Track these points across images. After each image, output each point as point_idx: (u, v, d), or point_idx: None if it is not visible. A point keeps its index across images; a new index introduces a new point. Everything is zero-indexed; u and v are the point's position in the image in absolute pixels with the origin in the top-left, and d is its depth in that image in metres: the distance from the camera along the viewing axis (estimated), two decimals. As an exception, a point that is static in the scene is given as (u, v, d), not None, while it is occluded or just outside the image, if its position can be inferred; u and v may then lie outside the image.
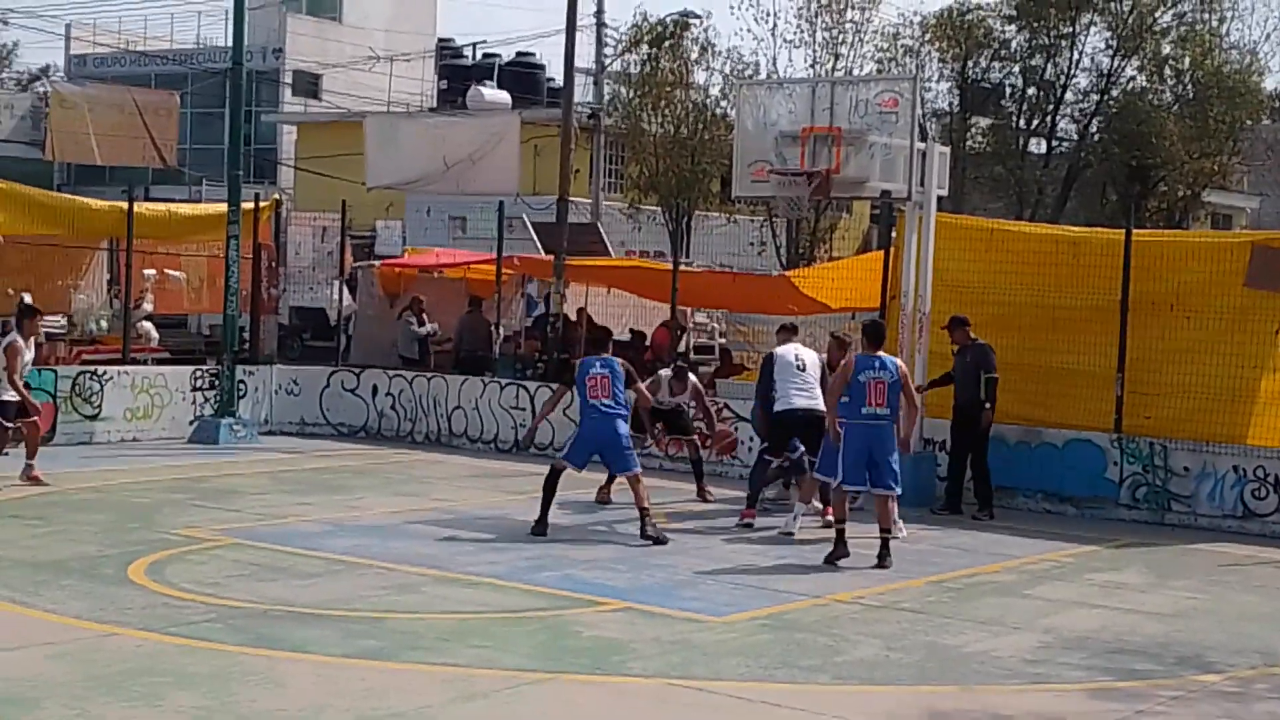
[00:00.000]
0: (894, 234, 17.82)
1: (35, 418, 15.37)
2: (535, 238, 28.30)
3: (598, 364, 13.45)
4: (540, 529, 13.26)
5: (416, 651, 9.12)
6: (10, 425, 15.07)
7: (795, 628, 10.20)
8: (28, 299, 20.12)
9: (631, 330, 24.33)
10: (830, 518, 13.48)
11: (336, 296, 23.54)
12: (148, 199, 25.95)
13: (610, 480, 14.93)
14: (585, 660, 9.14)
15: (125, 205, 20.23)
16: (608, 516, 14.67)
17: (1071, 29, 36.49)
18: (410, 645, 9.28)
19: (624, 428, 13.41)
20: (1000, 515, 15.76)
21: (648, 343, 23.35)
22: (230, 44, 22.12)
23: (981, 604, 11.34)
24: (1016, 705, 8.55)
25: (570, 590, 11.08)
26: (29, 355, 15.34)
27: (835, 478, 12.81)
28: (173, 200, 28.92)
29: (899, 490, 12.94)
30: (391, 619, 9.98)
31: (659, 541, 13.01)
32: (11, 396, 14.99)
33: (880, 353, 12.79)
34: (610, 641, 9.59)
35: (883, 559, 12.48)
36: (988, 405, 15.71)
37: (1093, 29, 36.76)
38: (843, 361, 13.11)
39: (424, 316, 23.56)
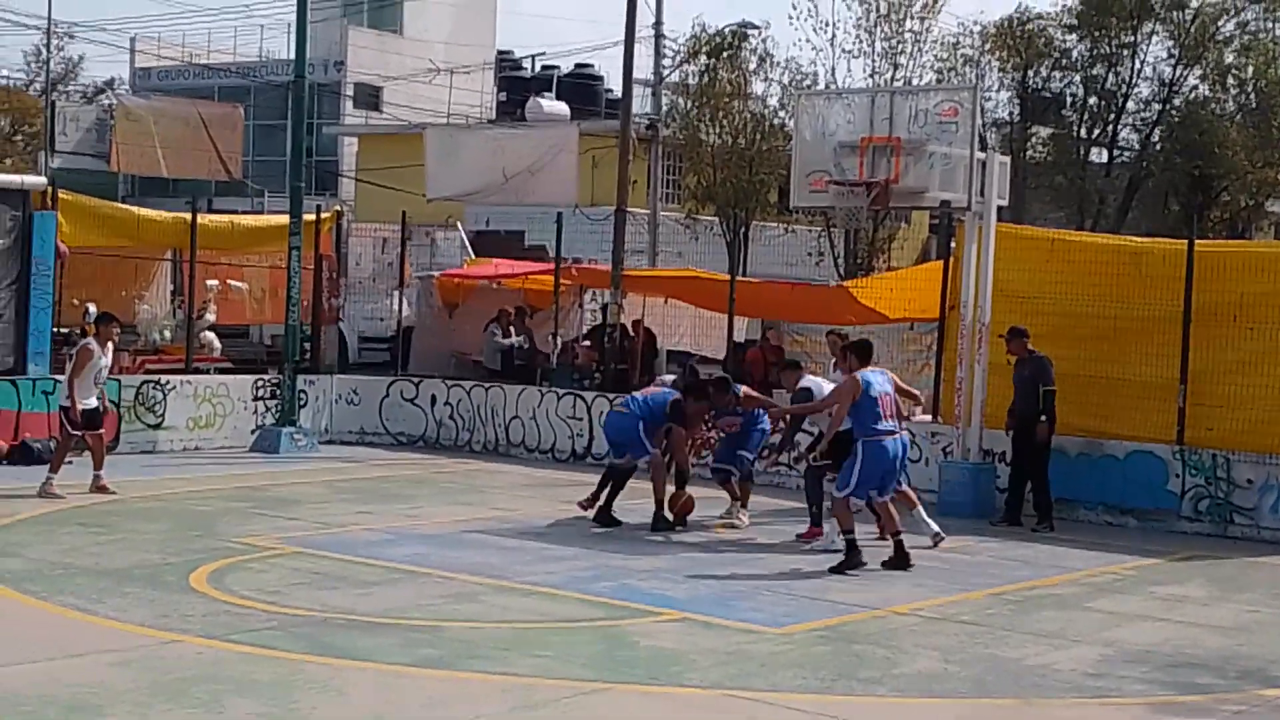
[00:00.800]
0: (953, 244, 17.76)
1: (100, 430, 15.37)
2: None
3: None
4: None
5: (475, 660, 9.16)
6: (76, 434, 15.08)
7: (853, 639, 10.17)
8: (93, 309, 20.38)
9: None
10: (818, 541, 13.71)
11: (396, 307, 23.69)
12: (210, 210, 26.27)
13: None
14: (642, 671, 9.14)
15: (189, 216, 20.45)
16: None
17: (1133, 38, 36.23)
18: (469, 654, 9.32)
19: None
20: (1061, 527, 15.64)
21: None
22: (293, 57, 22.30)
23: (1041, 617, 11.26)
24: (1077, 719, 8.49)
25: (627, 600, 11.08)
26: (105, 360, 15.35)
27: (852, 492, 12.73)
28: (235, 211, 29.19)
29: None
30: (450, 628, 10.03)
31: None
32: (88, 404, 15.02)
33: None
34: (667, 652, 9.59)
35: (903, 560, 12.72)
36: (1044, 419, 15.60)
37: (1154, 38, 36.48)
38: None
39: (510, 329, 23.62)
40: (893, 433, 12.68)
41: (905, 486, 13.77)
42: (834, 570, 12.37)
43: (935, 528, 13.89)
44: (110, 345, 15.72)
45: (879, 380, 12.95)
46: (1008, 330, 16.01)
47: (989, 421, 16.56)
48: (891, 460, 12.73)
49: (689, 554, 13.23)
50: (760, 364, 20.90)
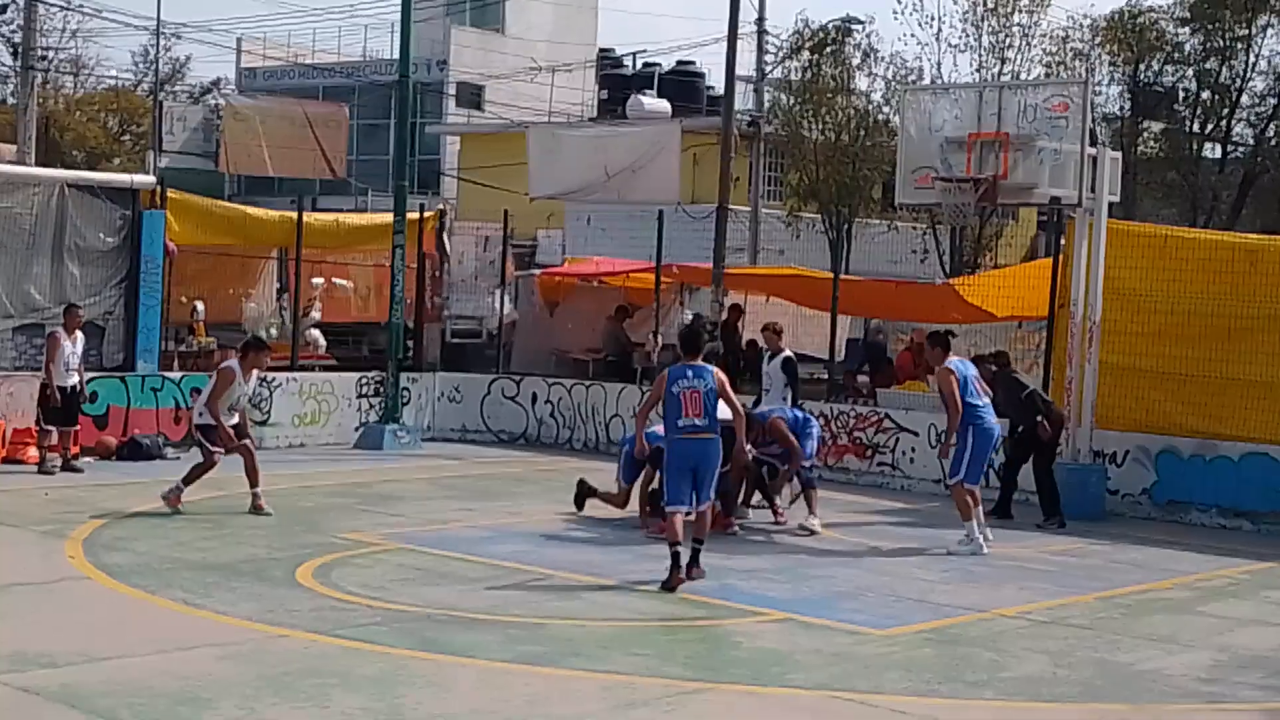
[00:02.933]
0: (1063, 241, 17.48)
1: (239, 444, 14.36)
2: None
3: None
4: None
5: (577, 658, 9.14)
6: (218, 452, 14.29)
7: (959, 642, 10.03)
8: (200, 307, 20.67)
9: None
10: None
11: (498, 305, 23.78)
12: (315, 209, 26.52)
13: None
14: (745, 670, 9.07)
15: (295, 215, 20.67)
16: (764, 526, 14.60)
17: (1248, 31, 35.43)
18: (571, 651, 9.30)
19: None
20: (1173, 530, 15.38)
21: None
22: (396, 56, 22.47)
23: (1153, 621, 11.04)
24: (1191, 726, 8.31)
25: (728, 600, 11.01)
26: (245, 389, 14.42)
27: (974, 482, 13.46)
28: (339, 210, 29.49)
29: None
30: (552, 625, 10.02)
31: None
32: (229, 420, 14.21)
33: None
34: (770, 652, 9.51)
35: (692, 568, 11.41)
36: (1040, 419, 15.49)
37: (1269, 31, 35.65)
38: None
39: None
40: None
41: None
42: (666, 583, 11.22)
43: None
44: (255, 374, 14.68)
45: (963, 365, 13.83)
46: (984, 359, 16.06)
47: (1099, 422, 16.30)
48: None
49: (790, 554, 13.13)
50: (908, 367, 20.51)
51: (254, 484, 14.22)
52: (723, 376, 11.64)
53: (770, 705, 8.44)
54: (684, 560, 11.25)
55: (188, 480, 14.17)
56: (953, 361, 13.76)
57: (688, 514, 11.36)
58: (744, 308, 23.97)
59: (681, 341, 11.99)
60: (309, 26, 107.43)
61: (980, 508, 13.80)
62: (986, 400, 13.75)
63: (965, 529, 13.55)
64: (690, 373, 11.50)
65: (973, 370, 13.84)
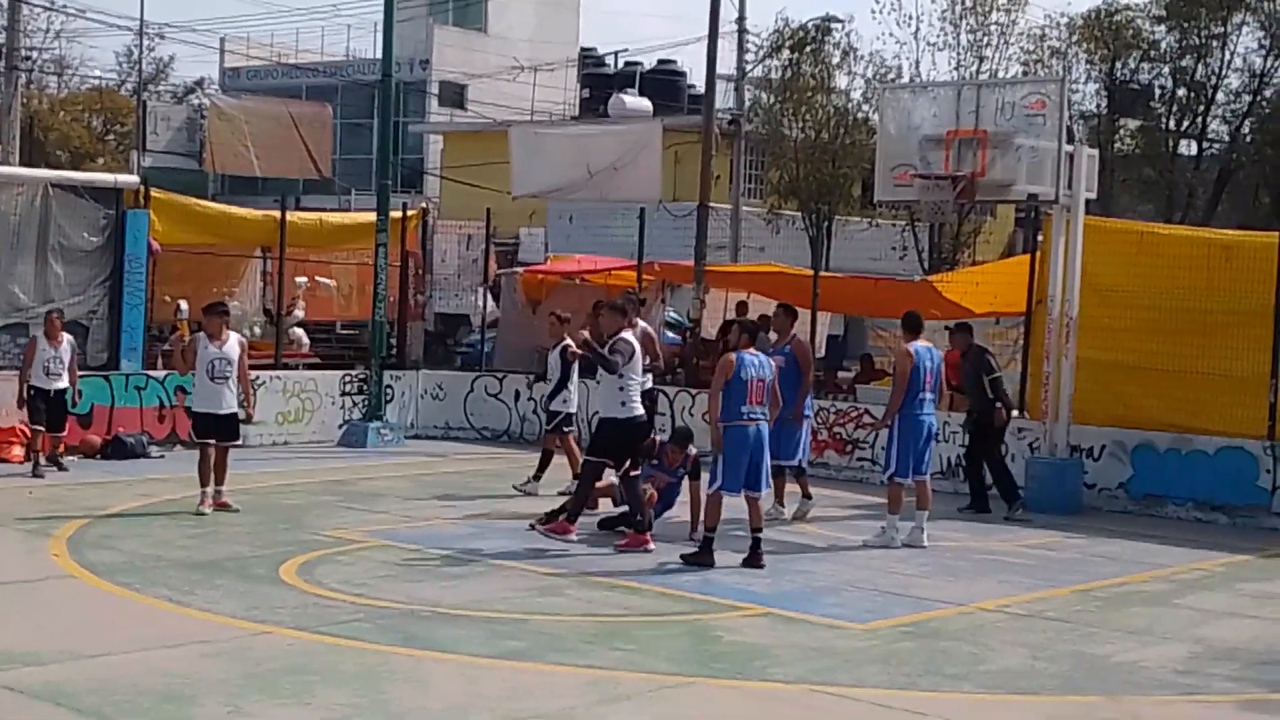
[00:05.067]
0: (1040, 237, 17.61)
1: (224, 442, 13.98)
2: None
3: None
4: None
5: (559, 653, 9.21)
6: (200, 441, 14.01)
7: (939, 636, 10.13)
8: (185, 306, 20.69)
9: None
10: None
11: (481, 303, 23.85)
12: (299, 208, 26.54)
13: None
14: (727, 665, 9.16)
15: (278, 214, 20.70)
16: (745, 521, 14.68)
17: (1223, 29, 35.65)
18: (553, 647, 9.38)
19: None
20: (1150, 524, 15.50)
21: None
22: (379, 56, 22.51)
23: (1130, 613, 11.16)
24: (1166, 716, 8.42)
25: (710, 595, 11.11)
26: (215, 351, 13.84)
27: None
28: (323, 209, 29.50)
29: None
30: (534, 620, 10.09)
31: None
32: (211, 409, 13.88)
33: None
34: (752, 646, 9.60)
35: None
36: (998, 405, 15.62)
37: (1244, 29, 35.88)
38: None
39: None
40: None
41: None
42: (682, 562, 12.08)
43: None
44: (223, 338, 13.97)
45: (927, 354, 13.76)
46: (955, 325, 16.19)
47: (1076, 417, 16.43)
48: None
49: (771, 550, 13.19)
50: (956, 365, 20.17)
51: (219, 481, 14.08)
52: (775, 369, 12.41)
53: (752, 699, 8.53)
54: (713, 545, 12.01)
55: (202, 480, 13.93)
56: (918, 347, 13.79)
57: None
58: (749, 305, 23.82)
59: (751, 332, 12.47)
60: (292, 26, 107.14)
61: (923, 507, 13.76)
62: (932, 396, 13.79)
63: (885, 521, 13.66)
64: (757, 361, 12.17)
65: (935, 364, 13.80)
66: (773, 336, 14.98)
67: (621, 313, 13.43)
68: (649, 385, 15.17)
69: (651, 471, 13.61)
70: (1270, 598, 12.02)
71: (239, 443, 14.47)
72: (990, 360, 16.01)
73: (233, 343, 14.11)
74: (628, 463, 12.95)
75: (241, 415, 14.38)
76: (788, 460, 14.44)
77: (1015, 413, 17.29)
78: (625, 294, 17.20)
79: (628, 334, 13.17)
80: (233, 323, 21.91)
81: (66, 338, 16.48)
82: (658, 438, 13.93)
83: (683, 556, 12.22)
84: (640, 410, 13.20)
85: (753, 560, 12.15)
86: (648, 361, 14.70)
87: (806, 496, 14.99)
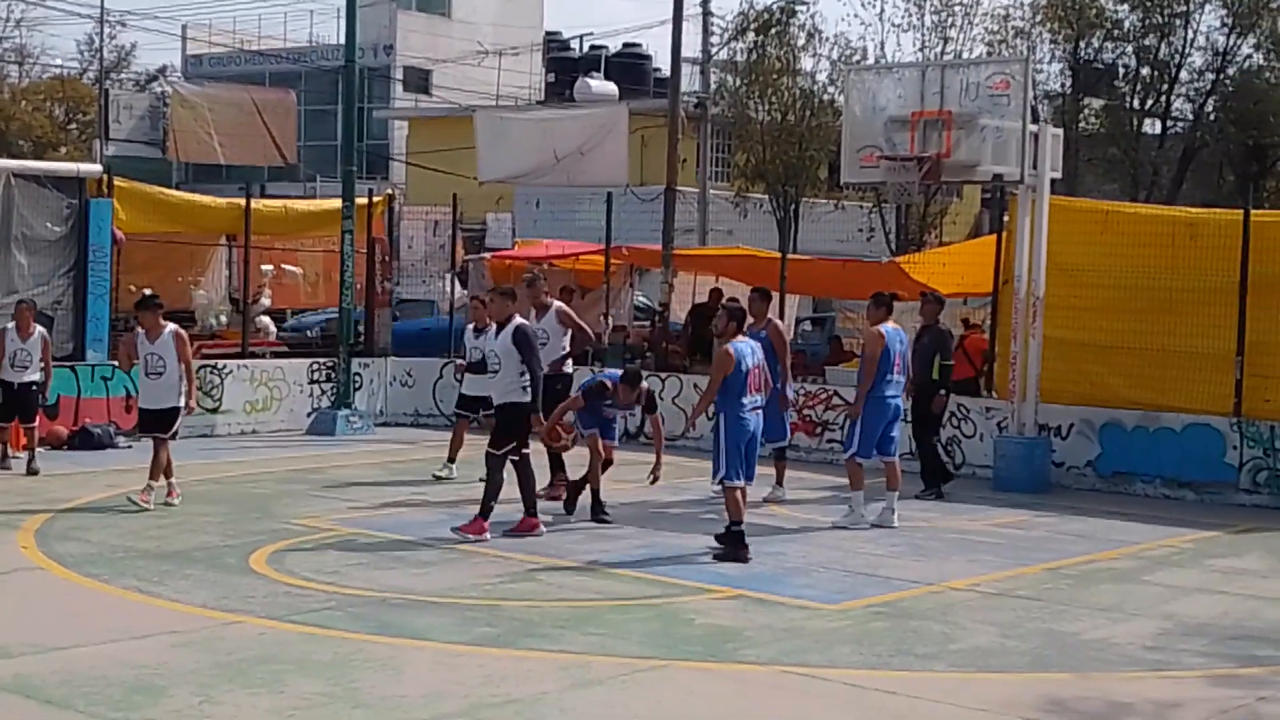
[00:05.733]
0: (1006, 218, 17.67)
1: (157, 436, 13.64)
2: None
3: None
4: None
5: (532, 639, 9.21)
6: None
7: (910, 615, 10.16)
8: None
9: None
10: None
11: (448, 289, 23.79)
12: (264, 196, 26.39)
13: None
14: (699, 647, 9.17)
15: (243, 202, 20.60)
16: (720, 504, 14.70)
17: (1186, 7, 35.75)
18: (526, 632, 9.38)
19: None
20: (1118, 501, 15.59)
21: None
22: (342, 41, 22.41)
23: (1099, 590, 11.22)
24: (1135, 692, 8.45)
25: (682, 578, 11.12)
26: (150, 347, 13.75)
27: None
28: (288, 197, 29.36)
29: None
30: (507, 606, 10.08)
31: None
32: (145, 404, 13.85)
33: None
34: (723, 629, 9.62)
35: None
36: (941, 391, 15.53)
37: (1207, 7, 35.97)
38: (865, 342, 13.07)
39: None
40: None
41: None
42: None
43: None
44: (156, 332, 13.75)
45: (896, 335, 13.79)
46: (930, 295, 15.96)
47: (1044, 396, 16.49)
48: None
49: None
50: (983, 348, 19.87)
51: (154, 476, 13.62)
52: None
53: (724, 681, 8.54)
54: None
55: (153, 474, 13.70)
56: (887, 328, 13.77)
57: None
58: (723, 290, 23.73)
59: (738, 319, 12.25)
60: (255, 13, 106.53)
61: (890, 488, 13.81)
62: (899, 378, 13.80)
63: (850, 500, 13.71)
64: (750, 348, 12.00)
65: (904, 345, 13.87)
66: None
67: (510, 297, 13.01)
68: (569, 369, 15.03)
69: (606, 408, 13.62)
70: (1239, 573, 12.10)
71: (165, 436, 13.67)
72: (949, 344, 15.91)
73: (166, 337, 13.75)
74: (517, 445, 12.56)
75: (182, 406, 13.86)
76: (778, 440, 14.70)
77: (986, 393, 17.40)
78: (530, 272, 16.84)
79: (519, 319, 12.74)
80: (199, 312, 22.00)
81: (38, 329, 16.28)
82: (607, 381, 13.69)
83: (715, 556, 11.84)
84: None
85: (722, 545, 12.00)
86: (565, 341, 14.75)
87: (779, 483, 15.08)
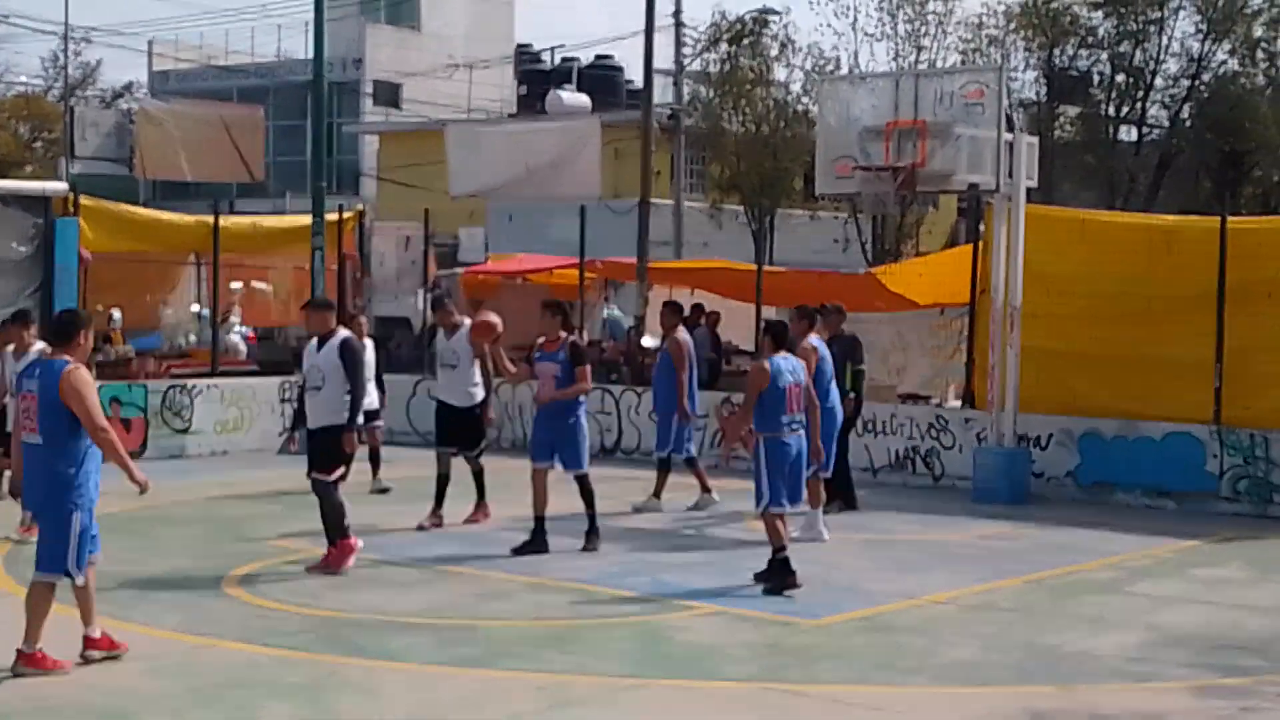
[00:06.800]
0: (982, 227, 17.62)
1: None
2: None
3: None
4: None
5: (510, 659, 9.09)
6: None
7: (891, 629, 10.07)
8: (117, 315, 20.39)
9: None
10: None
11: (421, 306, 23.64)
12: (232, 212, 26.20)
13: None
14: (679, 665, 9.07)
15: (211, 219, 20.42)
16: (696, 520, 14.61)
17: (1160, 14, 35.88)
18: (504, 652, 9.25)
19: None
20: (1099, 511, 15.52)
21: None
22: (311, 56, 22.25)
23: (1081, 602, 11.14)
24: (1118, 704, 8.38)
25: (661, 595, 11.01)
26: (14, 365, 12.61)
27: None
28: (257, 213, 29.17)
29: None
30: (485, 626, 9.96)
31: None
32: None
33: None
34: (703, 646, 9.51)
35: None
36: (852, 395, 14.98)
37: (1182, 13, 36.13)
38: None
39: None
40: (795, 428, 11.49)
41: None
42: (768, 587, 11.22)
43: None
44: (22, 349, 12.68)
45: (824, 347, 13.35)
46: (831, 307, 15.30)
47: (1023, 406, 16.43)
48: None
49: (720, 548, 13.14)
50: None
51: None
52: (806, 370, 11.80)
53: (704, 699, 8.43)
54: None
55: None
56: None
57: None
58: (705, 308, 23.50)
59: (776, 335, 11.59)
60: (221, 28, 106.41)
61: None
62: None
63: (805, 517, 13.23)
64: (790, 365, 11.44)
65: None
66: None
67: (330, 309, 12.49)
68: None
69: (538, 361, 12.95)
70: (1221, 583, 12.04)
71: None
72: (860, 351, 15.32)
73: (32, 356, 12.24)
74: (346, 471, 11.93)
75: None
76: (660, 451, 14.98)
77: (959, 403, 17.28)
78: (436, 288, 16.74)
79: (344, 331, 12.16)
80: (168, 331, 21.80)
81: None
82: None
83: (765, 589, 11.15)
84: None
85: (768, 578, 11.27)
86: (476, 369, 13.99)
87: (705, 490, 15.13)
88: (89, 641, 8.85)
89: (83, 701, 7.96)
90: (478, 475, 14.06)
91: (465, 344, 13.86)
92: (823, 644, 9.63)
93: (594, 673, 8.81)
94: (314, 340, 11.90)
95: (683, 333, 15.45)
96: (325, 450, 11.71)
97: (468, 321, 14.03)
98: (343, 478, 11.80)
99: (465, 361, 13.91)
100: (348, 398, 11.53)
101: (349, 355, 11.59)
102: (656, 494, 15.09)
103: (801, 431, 11.46)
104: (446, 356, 14.07)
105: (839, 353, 15.02)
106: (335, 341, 11.68)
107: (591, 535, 12.75)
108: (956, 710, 8.29)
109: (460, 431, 13.88)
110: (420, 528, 13.72)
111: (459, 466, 14.00)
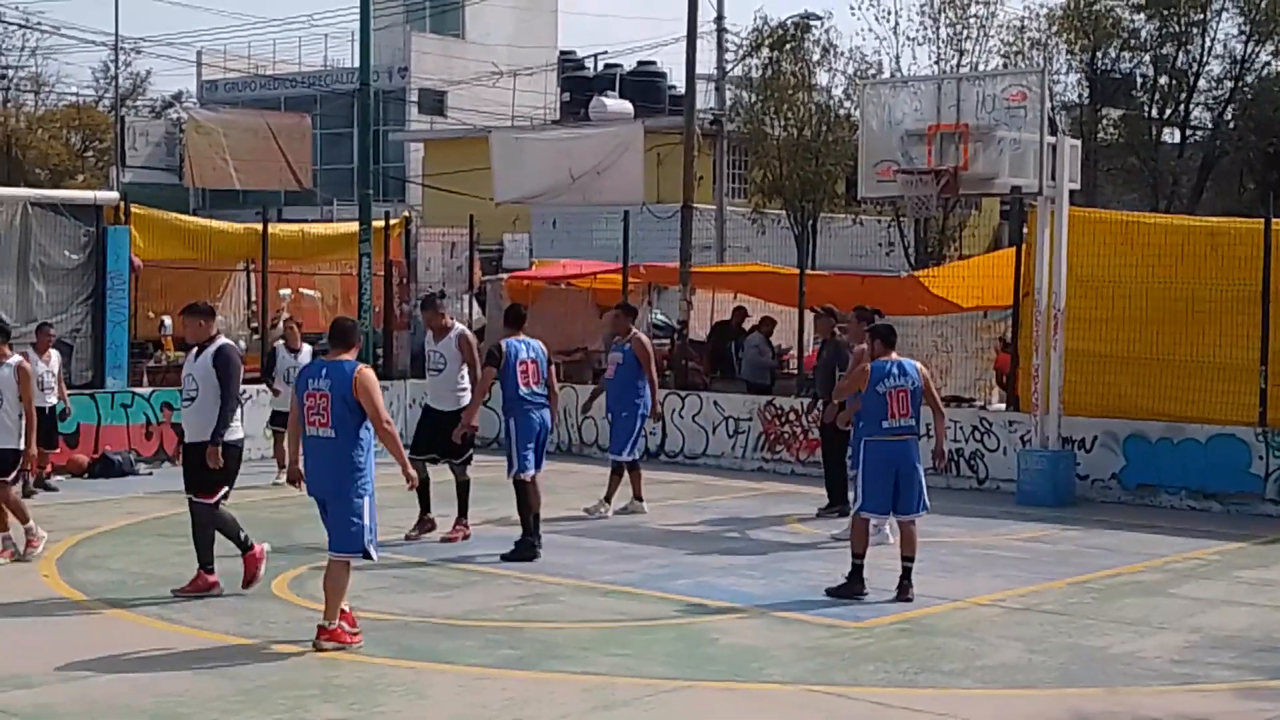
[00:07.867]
0: (1025, 230, 17.59)
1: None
2: None
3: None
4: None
5: (556, 660, 9.16)
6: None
7: (935, 632, 10.09)
8: (168, 322, 20.59)
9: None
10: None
11: (467, 311, 23.76)
12: (280, 220, 26.47)
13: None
14: (723, 667, 9.11)
15: (260, 227, 20.61)
16: (742, 522, 14.65)
17: (1203, 15, 35.66)
18: (549, 654, 9.32)
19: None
20: (1143, 513, 15.47)
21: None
22: (357, 65, 22.44)
23: (1125, 604, 11.13)
24: (1163, 707, 8.37)
25: (705, 597, 11.06)
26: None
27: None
28: (304, 220, 29.43)
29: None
30: (530, 628, 10.04)
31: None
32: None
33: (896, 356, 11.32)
34: (747, 648, 9.55)
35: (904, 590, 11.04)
36: (834, 401, 14.83)
37: (1224, 15, 35.90)
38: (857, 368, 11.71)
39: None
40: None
41: None
42: (838, 595, 11.10)
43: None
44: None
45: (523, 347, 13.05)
46: (823, 309, 15.45)
47: (1067, 409, 16.40)
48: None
49: (763, 551, 13.18)
50: (1006, 367, 19.58)
51: (3, 527, 12.32)
52: (927, 374, 11.39)
53: (749, 701, 8.48)
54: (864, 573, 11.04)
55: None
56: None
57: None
58: (747, 310, 23.55)
59: (884, 337, 11.37)
60: (269, 38, 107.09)
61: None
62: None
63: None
64: (896, 369, 11.15)
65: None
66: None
67: (210, 315, 11.23)
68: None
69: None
70: (1266, 585, 11.99)
71: (7, 479, 12.23)
72: (847, 356, 14.75)
73: (5, 371, 12.10)
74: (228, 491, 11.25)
75: (21, 449, 12.23)
76: (628, 455, 15.03)
77: (1003, 406, 17.22)
78: (428, 293, 16.79)
79: (223, 339, 11.25)
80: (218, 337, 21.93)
81: (54, 353, 16.29)
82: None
83: (829, 591, 11.05)
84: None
85: (900, 593, 10.99)
86: (464, 373, 13.61)
87: (637, 497, 15.14)
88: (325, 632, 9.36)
89: (134, 703, 8.08)
90: (461, 488, 13.51)
91: (454, 348, 13.44)
92: (867, 646, 9.65)
93: (638, 674, 8.87)
94: (194, 349, 11.02)
95: (640, 333, 15.57)
96: (202, 467, 10.79)
97: (459, 326, 13.85)
98: (225, 497, 11.05)
99: (453, 365, 13.44)
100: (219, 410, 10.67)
101: (223, 365, 10.67)
102: (637, 496, 15.12)
103: (909, 439, 11.11)
104: (434, 359, 13.65)
105: (828, 358, 15.03)
106: (210, 350, 10.75)
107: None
108: (1001, 713, 8.31)
109: (443, 438, 13.26)
110: (408, 538, 13.34)
111: (442, 473, 13.53)
